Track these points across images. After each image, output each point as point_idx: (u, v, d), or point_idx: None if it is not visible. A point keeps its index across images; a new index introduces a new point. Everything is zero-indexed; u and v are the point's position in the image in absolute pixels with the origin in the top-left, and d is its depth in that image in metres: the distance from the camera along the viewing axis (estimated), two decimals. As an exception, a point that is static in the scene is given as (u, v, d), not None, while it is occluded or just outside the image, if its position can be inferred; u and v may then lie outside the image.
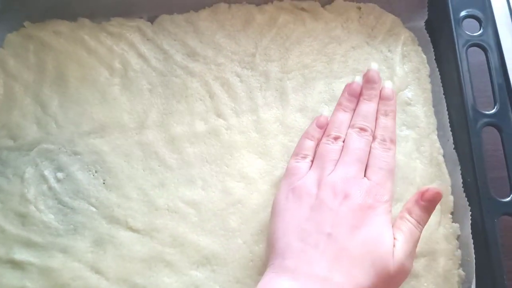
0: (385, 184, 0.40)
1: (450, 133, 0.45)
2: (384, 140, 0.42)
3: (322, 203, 0.38)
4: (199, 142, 0.47)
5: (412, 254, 0.38)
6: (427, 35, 0.49)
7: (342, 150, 0.42)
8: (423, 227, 0.39)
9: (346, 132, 0.43)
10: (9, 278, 0.42)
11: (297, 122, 0.47)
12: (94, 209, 0.44)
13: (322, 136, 0.44)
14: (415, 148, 0.46)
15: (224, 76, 0.49)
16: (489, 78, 0.44)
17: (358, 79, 0.45)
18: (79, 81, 0.49)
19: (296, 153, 0.43)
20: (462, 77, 0.44)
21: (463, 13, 0.46)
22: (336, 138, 0.43)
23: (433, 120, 0.47)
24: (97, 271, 0.42)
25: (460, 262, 0.42)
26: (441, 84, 0.47)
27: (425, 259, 0.41)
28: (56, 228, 0.44)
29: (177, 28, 0.51)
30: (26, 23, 0.51)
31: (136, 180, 0.45)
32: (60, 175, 0.46)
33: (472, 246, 0.40)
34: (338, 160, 0.41)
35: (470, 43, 0.45)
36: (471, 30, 0.46)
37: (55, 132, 0.47)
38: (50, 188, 0.45)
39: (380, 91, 0.45)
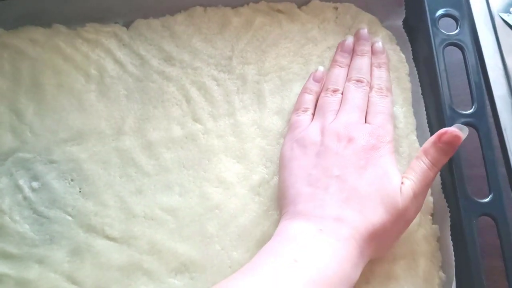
0: (386, 126, 0.42)
1: (429, 133, 0.44)
2: (380, 89, 0.44)
3: (327, 148, 0.40)
4: (176, 147, 0.46)
5: (423, 194, 0.39)
6: (405, 34, 0.49)
7: (341, 102, 0.44)
8: (439, 169, 0.39)
9: (344, 86, 0.45)
10: (-15, 290, 0.42)
11: (274, 125, 0.46)
12: (70, 218, 0.44)
13: (321, 90, 0.46)
14: (394, 149, 0.45)
15: (201, 80, 0.48)
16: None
17: (350, 37, 0.48)
18: (56, 89, 0.48)
19: (297, 108, 0.45)
20: (439, 77, 0.43)
21: (440, 12, 0.46)
22: (334, 91, 0.45)
23: (412, 120, 0.46)
24: (74, 281, 0.42)
25: (440, 264, 0.41)
26: (419, 84, 0.47)
27: (404, 261, 0.41)
28: (32, 238, 0.43)
29: (153, 33, 0.50)
30: (-1, 31, 0.51)
31: (113, 187, 0.45)
32: (35, 184, 0.45)
33: (452, 247, 0.40)
34: (338, 110, 0.43)
35: (446, 42, 0.45)
36: (449, 29, 0.46)
37: (31, 141, 0.47)
38: (25, 198, 0.45)
39: (372, 46, 0.47)
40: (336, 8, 0.51)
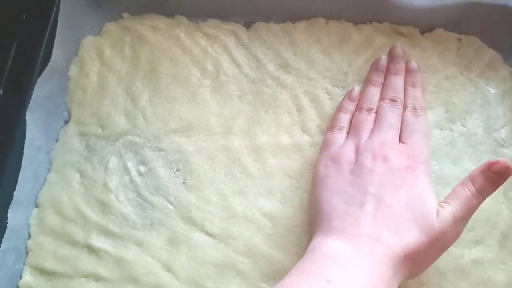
0: (421, 146, 0.41)
1: None
2: (414, 108, 0.44)
3: (362, 166, 0.39)
4: (282, 155, 0.46)
5: (463, 221, 0.38)
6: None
7: (375, 121, 0.44)
8: (484, 199, 0.38)
9: (378, 105, 0.45)
10: (84, 263, 0.43)
11: (383, 148, 0.46)
12: (172, 208, 0.45)
13: (356, 109, 0.46)
14: (502, 192, 0.44)
15: (314, 92, 0.48)
16: None
17: (384, 56, 0.47)
18: (171, 78, 0.49)
19: (332, 126, 0.45)
20: None
21: None
22: (368, 110, 0.44)
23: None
24: (169, 269, 0.43)
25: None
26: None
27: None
28: (133, 221, 0.45)
29: (272, 37, 0.50)
30: (125, 15, 0.52)
31: (217, 184, 0.45)
32: (142, 168, 0.46)
33: None
34: (372, 129, 0.43)
35: None
36: None
37: (142, 126, 0.48)
38: (131, 180, 0.46)
39: (406, 65, 0.47)
40: (460, 40, 0.50)
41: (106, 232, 0.44)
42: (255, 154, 0.46)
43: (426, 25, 0.50)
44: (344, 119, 0.45)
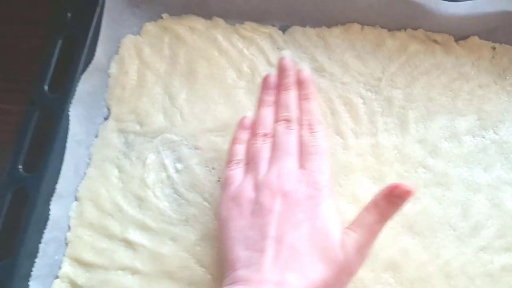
0: (320, 168, 0.40)
1: None
2: (310, 125, 0.42)
3: (262, 206, 0.38)
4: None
5: (368, 246, 0.37)
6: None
7: (272, 147, 0.42)
8: (385, 223, 0.37)
9: (273, 127, 0.43)
10: (121, 256, 0.45)
11: (414, 152, 0.47)
12: (207, 204, 0.46)
13: (251, 136, 0.44)
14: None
15: (348, 96, 0.49)
16: None
17: (273, 74, 0.45)
18: (207, 78, 0.51)
19: (229, 161, 0.43)
20: None
21: None
22: (264, 136, 0.43)
23: None
24: (203, 264, 0.44)
25: None
26: None
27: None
28: (169, 216, 0.46)
29: (307, 41, 0.51)
30: (164, 15, 0.53)
31: (251, 185, 0.47)
32: (179, 166, 0.48)
33: None
34: (270, 158, 0.41)
35: None
36: None
37: (179, 124, 0.49)
38: (168, 176, 0.47)
39: (297, 76, 0.45)
40: (494, 48, 0.50)
41: (143, 227, 0.46)
42: (289, 156, 0.47)
43: (460, 33, 0.50)
44: (240, 151, 0.44)
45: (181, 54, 0.52)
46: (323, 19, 0.52)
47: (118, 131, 0.49)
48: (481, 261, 0.43)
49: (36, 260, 0.43)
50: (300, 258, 0.36)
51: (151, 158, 0.48)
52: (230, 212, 0.40)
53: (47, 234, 0.44)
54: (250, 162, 0.42)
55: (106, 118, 0.50)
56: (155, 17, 0.54)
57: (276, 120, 0.43)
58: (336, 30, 0.52)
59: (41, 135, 0.46)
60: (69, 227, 0.46)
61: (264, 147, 0.42)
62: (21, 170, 0.45)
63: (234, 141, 0.44)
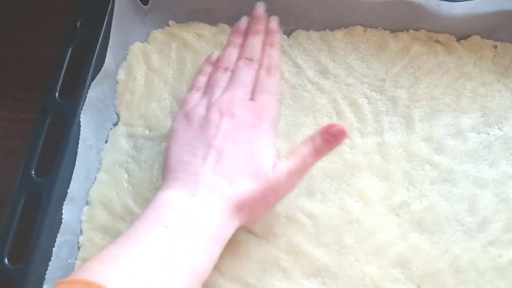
0: (268, 105, 0.44)
1: None
2: (269, 68, 0.46)
3: (210, 121, 0.42)
4: (322, 158, 0.48)
5: (298, 175, 0.42)
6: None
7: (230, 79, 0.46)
8: (319, 158, 0.42)
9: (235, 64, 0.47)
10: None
11: (420, 150, 0.48)
12: (216, 206, 0.47)
13: (213, 69, 0.48)
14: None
15: (353, 97, 0.50)
16: None
17: (245, 18, 0.49)
18: (214, 83, 0.52)
19: (190, 88, 0.48)
20: None
21: None
22: (225, 69, 0.47)
23: None
24: (214, 266, 0.45)
25: None
26: None
27: None
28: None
29: (311, 44, 0.52)
30: (171, 22, 0.55)
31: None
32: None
33: None
34: (225, 87, 0.45)
35: None
36: None
37: (186, 128, 0.50)
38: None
39: (267, 26, 0.48)
40: (495, 47, 0.51)
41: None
42: (296, 156, 0.48)
43: (462, 32, 0.51)
44: (202, 80, 0.48)
45: (188, 60, 0.53)
46: (327, 22, 0.53)
47: (128, 136, 0.50)
48: (490, 256, 0.43)
49: (50, 263, 0.44)
50: (235, 170, 0.40)
51: (159, 162, 0.49)
52: (181, 124, 0.44)
53: (60, 238, 0.45)
54: (208, 88, 0.47)
55: (115, 124, 0.51)
56: (163, 24, 0.55)
57: (239, 58, 0.47)
58: (340, 33, 0.53)
59: (53, 141, 0.47)
60: (81, 231, 0.47)
61: (222, 78, 0.46)
62: (34, 175, 0.46)
63: (198, 72, 0.49)
